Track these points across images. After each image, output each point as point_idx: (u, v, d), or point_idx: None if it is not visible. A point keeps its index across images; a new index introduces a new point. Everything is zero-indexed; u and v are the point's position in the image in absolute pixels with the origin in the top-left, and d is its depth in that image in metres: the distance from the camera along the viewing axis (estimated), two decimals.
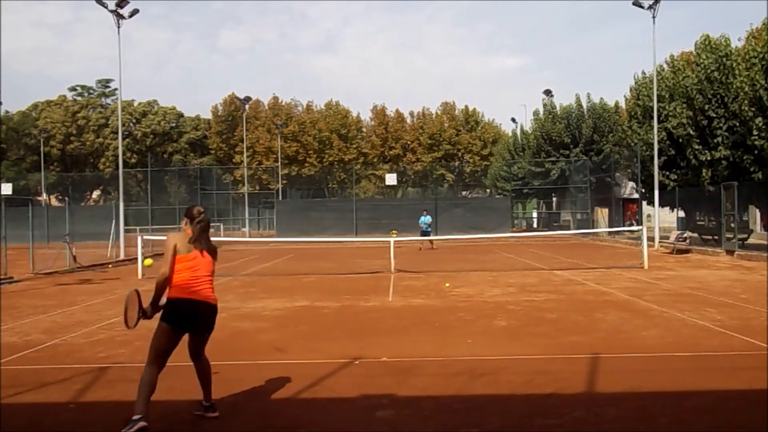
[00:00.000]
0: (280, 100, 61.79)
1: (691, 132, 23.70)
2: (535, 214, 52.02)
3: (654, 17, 24.24)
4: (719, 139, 22.83)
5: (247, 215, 43.77)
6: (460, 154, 60.26)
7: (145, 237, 19.13)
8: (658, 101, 24.61)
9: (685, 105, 24.07)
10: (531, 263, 18.44)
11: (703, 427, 4.47)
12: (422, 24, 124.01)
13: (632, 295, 11.12)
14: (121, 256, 22.15)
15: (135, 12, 23.73)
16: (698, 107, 23.38)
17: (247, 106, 51.34)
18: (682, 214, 28.28)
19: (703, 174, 23.53)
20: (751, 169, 21.08)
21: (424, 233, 25.35)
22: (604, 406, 4.90)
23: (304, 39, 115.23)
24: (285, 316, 9.69)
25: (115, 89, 61.04)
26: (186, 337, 4.66)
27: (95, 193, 62.54)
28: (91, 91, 66.00)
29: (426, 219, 26.07)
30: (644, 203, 30.26)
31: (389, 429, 4.53)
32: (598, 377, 5.78)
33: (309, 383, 5.67)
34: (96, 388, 5.73)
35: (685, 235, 22.49)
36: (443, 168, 58.20)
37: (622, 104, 35.67)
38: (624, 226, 34.39)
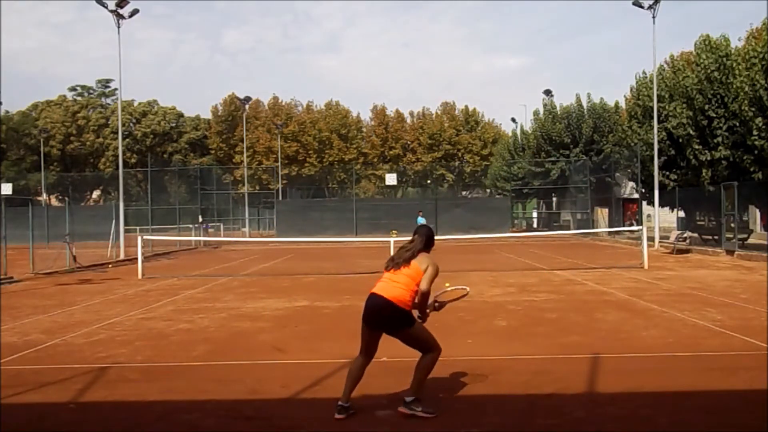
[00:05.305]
0: (280, 100, 61.81)
1: (691, 132, 23.70)
2: (535, 214, 51.99)
3: (654, 17, 24.25)
4: (719, 139, 22.82)
5: (247, 215, 43.76)
6: (460, 154, 60.24)
7: (145, 237, 19.16)
8: (658, 101, 24.61)
9: (685, 105, 24.06)
10: (531, 263, 18.44)
11: (703, 427, 4.46)
12: (425, 24, 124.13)
13: (632, 295, 11.11)
14: (121, 256, 22.15)
15: (135, 12, 23.74)
16: (698, 107, 23.37)
17: (247, 106, 51.33)
18: (682, 214, 28.26)
19: (703, 174, 23.52)
20: (751, 169, 21.08)
21: None
22: (604, 406, 4.89)
23: (306, 39, 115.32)
24: (285, 316, 9.68)
25: (115, 89, 61.08)
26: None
27: (95, 193, 62.55)
28: (91, 91, 66.03)
29: (421, 220, 25.98)
30: (644, 203, 30.27)
31: (389, 429, 4.53)
32: (598, 377, 5.78)
33: (309, 383, 5.67)
34: (96, 388, 5.72)
35: (685, 235, 22.48)
36: (443, 168, 58.17)
37: (622, 104, 35.71)
38: (624, 226, 34.37)
